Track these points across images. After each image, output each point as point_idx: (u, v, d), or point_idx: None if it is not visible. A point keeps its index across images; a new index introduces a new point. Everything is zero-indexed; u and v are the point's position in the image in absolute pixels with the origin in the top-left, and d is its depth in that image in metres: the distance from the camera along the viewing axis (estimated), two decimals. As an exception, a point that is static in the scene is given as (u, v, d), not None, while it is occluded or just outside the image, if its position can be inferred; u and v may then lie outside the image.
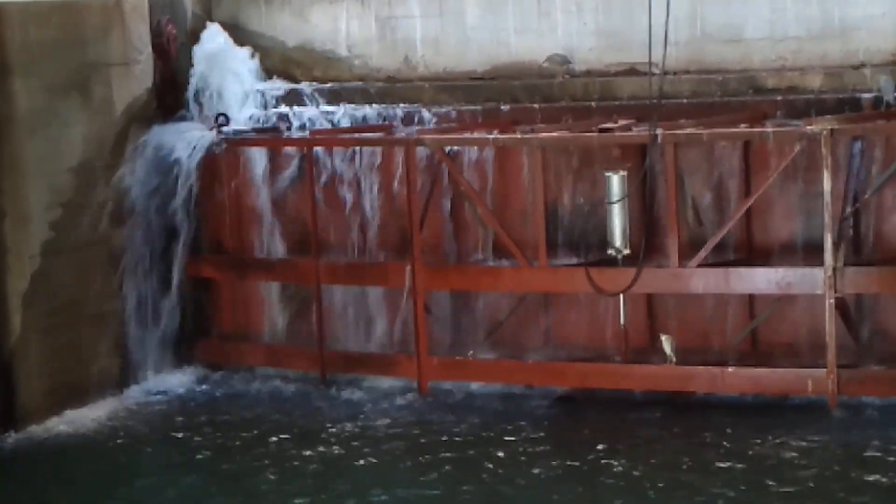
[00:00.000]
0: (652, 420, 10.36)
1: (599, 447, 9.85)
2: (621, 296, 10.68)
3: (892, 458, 9.31)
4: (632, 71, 11.34)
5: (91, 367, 11.42)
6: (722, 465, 9.41)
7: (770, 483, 9.04)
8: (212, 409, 11.31)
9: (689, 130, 10.51)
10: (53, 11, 10.96)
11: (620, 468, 9.47)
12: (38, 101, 10.94)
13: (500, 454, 9.87)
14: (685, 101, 11.10)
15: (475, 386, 11.28)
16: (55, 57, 11.07)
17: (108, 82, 11.55)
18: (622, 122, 10.91)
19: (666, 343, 10.59)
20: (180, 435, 10.73)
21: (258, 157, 12.00)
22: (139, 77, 11.85)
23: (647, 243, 10.54)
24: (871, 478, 9.02)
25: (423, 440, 10.28)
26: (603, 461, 9.62)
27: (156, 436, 10.74)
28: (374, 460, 9.92)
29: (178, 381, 11.88)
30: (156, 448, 10.51)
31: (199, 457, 10.26)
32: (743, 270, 10.49)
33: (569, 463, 9.63)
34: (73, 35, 11.23)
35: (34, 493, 9.73)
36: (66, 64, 11.17)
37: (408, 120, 11.80)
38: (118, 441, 10.64)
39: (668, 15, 10.22)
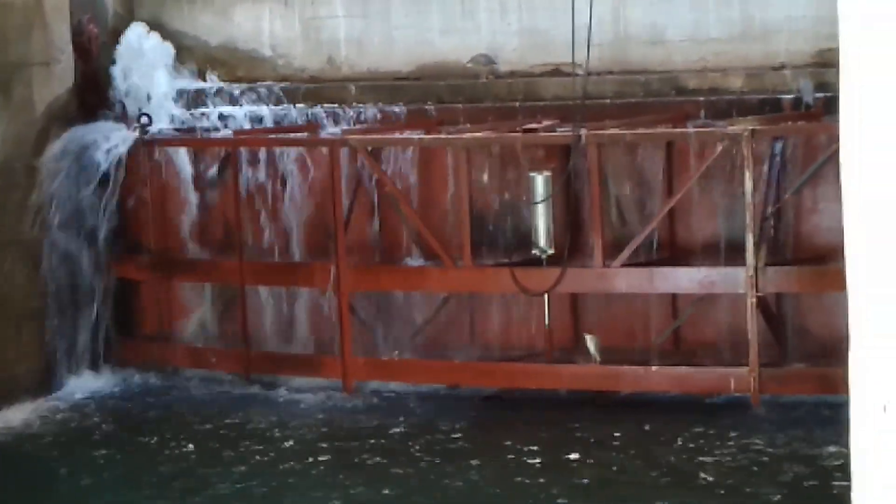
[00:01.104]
0: (574, 419, 10.41)
1: (521, 447, 9.87)
2: (546, 296, 10.72)
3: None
4: (556, 72, 11.38)
5: (12, 369, 11.30)
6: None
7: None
8: (134, 410, 11.22)
9: (612, 131, 10.57)
10: (-28, 10, 10.85)
11: (539, 467, 9.50)
12: (-42, 101, 10.84)
13: (423, 455, 9.86)
14: (609, 101, 11.15)
15: (400, 386, 11.28)
16: (-25, 56, 10.96)
17: (28, 82, 11.44)
18: (546, 123, 10.95)
19: (590, 342, 10.64)
20: (99, 439, 10.62)
21: (181, 158, 11.92)
22: (60, 77, 11.74)
23: (571, 243, 10.58)
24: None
25: (345, 441, 10.25)
26: (524, 460, 9.65)
27: (75, 439, 10.62)
28: (295, 461, 9.88)
29: (102, 382, 11.76)
30: (76, 452, 10.37)
31: (123, 462, 10.17)
32: (666, 270, 10.56)
33: (487, 463, 9.63)
34: (-8, 34, 11.13)
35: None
36: (-14, 63, 11.07)
37: (332, 120, 11.77)
38: (37, 444, 10.53)
39: (591, 16, 10.26)
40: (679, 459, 9.50)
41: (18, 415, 11.09)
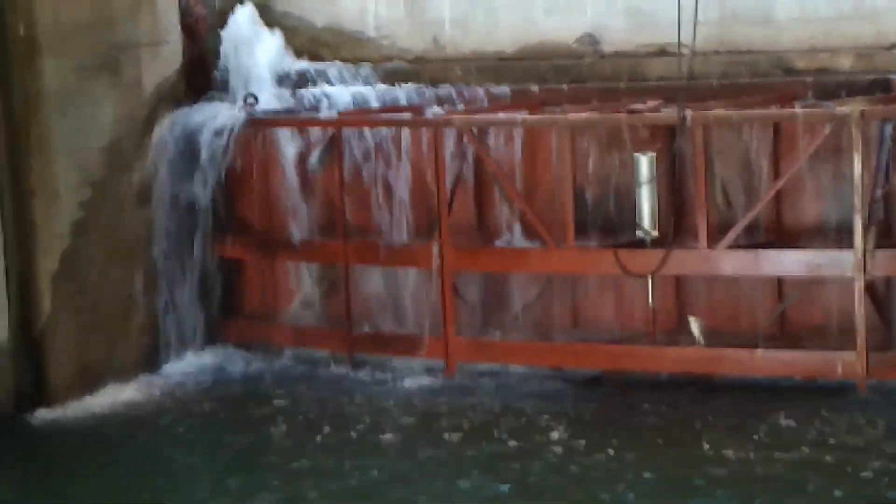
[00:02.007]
0: (679, 401, 10.35)
1: (622, 430, 9.83)
2: (650, 278, 10.67)
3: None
4: (661, 52, 11.30)
5: (120, 347, 11.47)
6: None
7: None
8: (240, 388, 11.35)
9: (718, 112, 10.48)
10: (83, -9, 11.01)
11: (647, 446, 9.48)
12: (68, 81, 10.97)
13: (523, 436, 9.86)
14: (715, 82, 11.05)
15: (503, 367, 11.28)
16: (85, 37, 11.09)
17: (137, 63, 11.57)
18: (651, 104, 10.88)
19: (694, 325, 10.58)
20: (209, 414, 10.77)
21: (286, 138, 12.00)
22: (168, 57, 11.87)
23: (675, 225, 10.52)
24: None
25: (445, 419, 10.28)
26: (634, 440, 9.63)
27: (184, 415, 10.75)
28: (397, 437, 9.94)
29: (206, 361, 11.90)
30: (184, 428, 10.52)
31: (227, 435, 10.30)
32: (772, 253, 10.44)
33: (583, 441, 9.60)
34: (102, 15, 11.25)
35: (63, 473, 9.77)
36: (95, 44, 11.19)
37: (436, 101, 11.78)
38: (147, 421, 10.69)
39: (697, -6, 10.19)
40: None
41: (125, 392, 11.26)
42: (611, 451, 9.39)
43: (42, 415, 10.76)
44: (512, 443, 9.72)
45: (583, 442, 9.61)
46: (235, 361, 11.93)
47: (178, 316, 11.87)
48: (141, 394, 11.25)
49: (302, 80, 12.31)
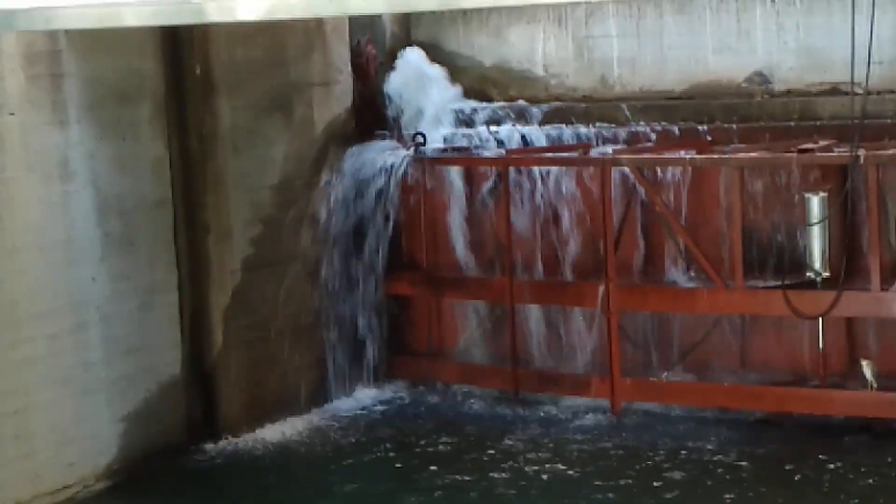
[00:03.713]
0: (852, 446, 10.15)
1: (797, 475, 9.68)
2: (820, 319, 10.51)
3: None
4: (833, 90, 11.15)
5: (289, 381, 11.63)
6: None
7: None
8: (408, 424, 11.42)
9: (892, 151, 10.30)
10: (258, 32, 11.21)
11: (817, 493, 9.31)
12: (243, 120, 11.20)
13: (691, 478, 9.77)
14: (888, 121, 10.87)
15: (665, 408, 11.20)
16: (259, 77, 11.32)
17: (309, 102, 11.77)
18: (823, 143, 10.74)
19: (867, 368, 10.38)
20: (377, 449, 10.86)
21: (454, 176, 12.09)
22: (339, 97, 12.05)
23: (847, 266, 10.34)
24: None
25: (613, 460, 10.23)
26: (803, 489, 9.47)
27: (354, 450, 10.87)
28: (566, 476, 9.91)
29: (374, 396, 12.02)
30: (354, 462, 10.63)
31: (398, 469, 10.40)
32: (948, 295, 10.23)
33: (762, 489, 9.49)
34: (276, 56, 11.47)
35: (232, 504, 9.97)
36: (269, 84, 11.41)
37: (603, 139, 11.78)
38: (316, 455, 10.81)
39: (871, 34, 10.02)
40: None
41: (294, 426, 11.40)
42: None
43: (213, 447, 10.95)
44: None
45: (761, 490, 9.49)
46: (402, 397, 12.03)
47: (347, 351, 12.01)
48: (309, 428, 11.39)
49: (470, 119, 12.41)
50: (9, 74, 9.54)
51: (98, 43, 10.08)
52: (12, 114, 9.58)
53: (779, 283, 10.76)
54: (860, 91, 10.23)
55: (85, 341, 10.08)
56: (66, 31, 9.78)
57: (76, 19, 8.99)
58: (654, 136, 11.66)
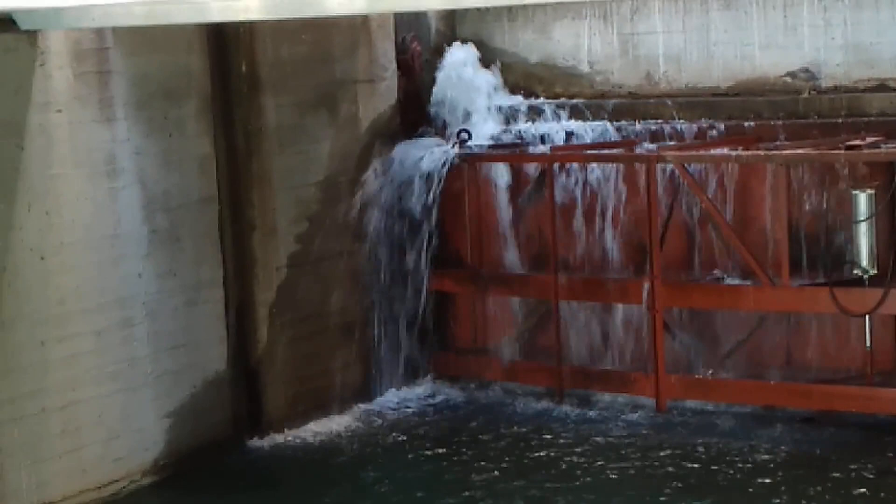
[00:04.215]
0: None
1: (843, 474, 9.63)
2: (867, 317, 10.44)
3: None
4: (881, 87, 11.09)
5: (334, 377, 11.66)
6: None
7: None
8: (453, 421, 11.44)
9: (941, 147, 10.25)
10: (303, 29, 11.23)
11: (867, 492, 9.26)
12: (288, 117, 11.23)
13: (741, 475, 9.74)
14: (937, 117, 10.81)
15: (712, 405, 11.16)
16: (304, 74, 11.34)
17: (354, 99, 11.79)
18: (870, 139, 10.67)
19: (914, 366, 10.34)
20: (421, 446, 10.87)
21: (499, 173, 12.09)
22: (384, 93, 12.07)
23: (894, 263, 10.28)
24: None
25: (660, 457, 10.21)
26: (849, 487, 9.41)
27: (398, 447, 10.89)
28: (613, 475, 9.90)
29: (419, 393, 12.04)
30: (400, 459, 10.65)
31: (443, 466, 10.40)
32: None
33: (811, 490, 9.44)
34: (321, 53, 11.50)
35: (278, 499, 9.96)
36: (314, 81, 11.44)
37: (649, 136, 11.75)
38: (363, 451, 10.84)
39: (920, 29, 9.97)
40: None
41: (339, 421, 11.43)
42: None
43: (258, 442, 10.99)
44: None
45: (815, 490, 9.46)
46: (447, 393, 12.05)
47: (392, 347, 12.03)
48: (355, 423, 11.42)
49: (515, 115, 12.40)
50: (56, 72, 9.59)
51: (145, 40, 10.13)
52: (60, 111, 9.63)
53: (825, 280, 10.71)
54: (908, 87, 10.18)
55: (131, 337, 10.13)
56: (114, 29, 9.83)
57: (123, 17, 9.04)
58: (699, 133, 11.61)
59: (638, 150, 11.50)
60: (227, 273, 10.93)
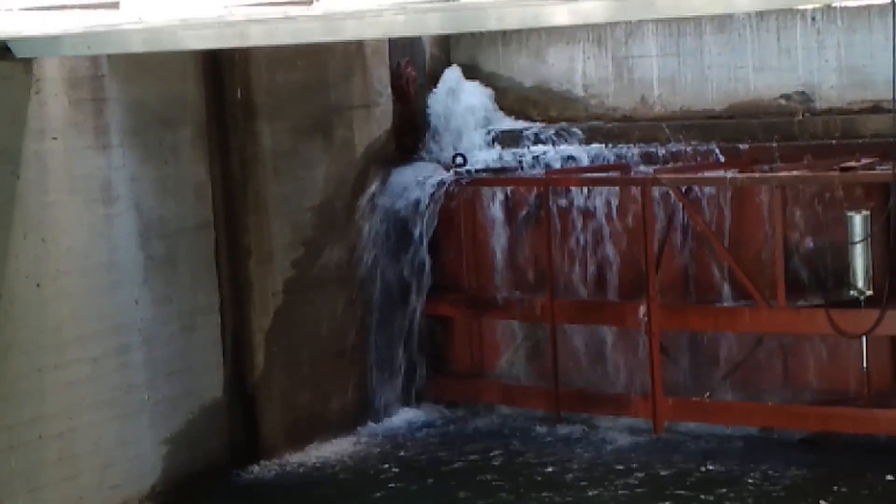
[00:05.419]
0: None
1: (841, 495, 9.62)
2: (863, 338, 10.45)
3: None
4: (875, 108, 11.11)
5: (331, 403, 11.65)
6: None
7: None
8: (449, 445, 11.41)
9: (935, 169, 10.25)
10: (298, 56, 11.27)
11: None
12: (283, 143, 11.25)
13: (736, 498, 9.73)
14: (931, 138, 10.82)
15: (708, 428, 11.16)
16: (300, 100, 11.37)
17: (349, 124, 11.82)
18: (865, 161, 10.69)
19: (911, 387, 10.34)
20: (418, 471, 10.85)
21: (495, 197, 12.11)
22: (379, 119, 12.10)
23: (890, 284, 10.28)
24: None
25: (657, 480, 10.20)
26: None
27: (395, 472, 10.87)
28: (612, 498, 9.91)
29: (416, 417, 12.03)
30: (395, 484, 10.62)
31: (439, 491, 10.37)
32: None
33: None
34: (316, 78, 11.53)
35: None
36: (309, 106, 11.46)
37: (644, 159, 11.77)
38: (358, 477, 10.81)
39: (913, 51, 9.98)
40: None
41: (336, 448, 11.41)
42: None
43: (255, 468, 10.97)
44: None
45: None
46: (445, 418, 12.04)
47: (389, 373, 12.02)
48: (351, 449, 11.41)
49: (510, 139, 12.42)
50: (52, 99, 9.61)
51: (140, 67, 10.16)
52: (55, 138, 9.65)
53: (822, 301, 10.72)
54: (902, 108, 10.18)
55: (128, 364, 10.13)
56: (109, 56, 9.85)
57: (118, 44, 9.06)
58: (694, 156, 11.63)
59: (633, 174, 11.52)
60: (224, 299, 10.93)
